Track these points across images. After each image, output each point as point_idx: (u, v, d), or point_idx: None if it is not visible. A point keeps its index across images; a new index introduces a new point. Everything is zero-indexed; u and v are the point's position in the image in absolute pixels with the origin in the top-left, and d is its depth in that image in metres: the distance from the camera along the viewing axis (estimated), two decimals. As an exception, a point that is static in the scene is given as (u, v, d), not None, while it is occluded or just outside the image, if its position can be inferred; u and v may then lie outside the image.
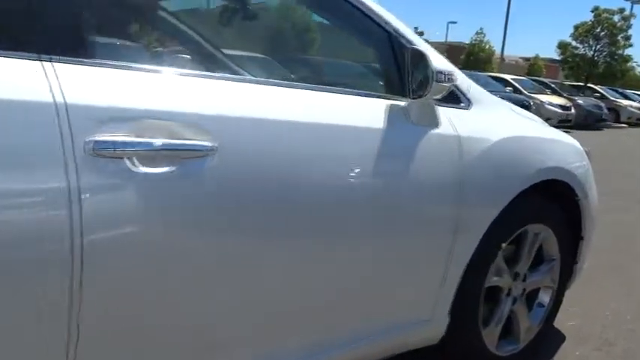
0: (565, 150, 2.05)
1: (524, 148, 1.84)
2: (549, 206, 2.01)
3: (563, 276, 2.13)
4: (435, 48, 1.68)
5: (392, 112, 1.47)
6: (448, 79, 1.46)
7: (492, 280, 1.85)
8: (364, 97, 1.51)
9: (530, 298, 2.07)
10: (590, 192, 2.13)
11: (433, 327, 1.71)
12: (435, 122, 1.55)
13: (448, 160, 1.56)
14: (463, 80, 1.72)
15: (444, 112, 1.61)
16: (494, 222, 1.70)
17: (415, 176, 1.49)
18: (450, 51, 35.51)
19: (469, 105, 1.72)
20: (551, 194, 1.96)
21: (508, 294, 1.98)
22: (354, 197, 1.37)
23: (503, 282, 1.91)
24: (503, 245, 1.83)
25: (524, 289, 2.01)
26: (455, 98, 1.67)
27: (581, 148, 2.16)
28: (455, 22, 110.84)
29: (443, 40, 50.96)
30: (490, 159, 1.68)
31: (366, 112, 1.46)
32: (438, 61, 1.47)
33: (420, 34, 15.04)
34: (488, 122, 1.76)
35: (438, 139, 1.54)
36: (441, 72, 1.43)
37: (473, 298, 1.79)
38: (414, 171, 1.49)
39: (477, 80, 1.97)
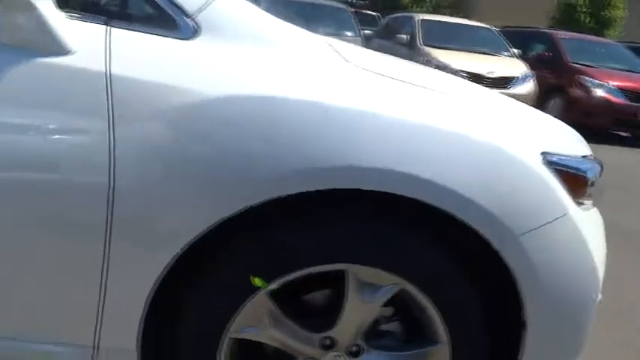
0: (451, 147, 1.06)
1: (296, 121, 1.00)
2: (415, 245, 1.11)
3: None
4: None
5: None
6: None
7: (244, 331, 1.13)
8: None
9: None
10: (548, 241, 1.10)
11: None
12: (51, 43, 0.96)
13: (88, 117, 0.96)
14: None
15: (97, 33, 1.00)
16: (208, 236, 1.01)
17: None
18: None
19: (192, 33, 1.03)
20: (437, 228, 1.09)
21: (310, 368, 1.20)
22: None
23: (282, 342, 1.15)
24: (266, 285, 1.08)
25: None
26: (162, 19, 1.01)
27: (522, 159, 1.10)
28: None
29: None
30: (188, 130, 0.98)
31: None
32: None
33: None
34: (222, 67, 1.04)
35: (57, 78, 0.95)
36: None
37: (199, 342, 1.13)
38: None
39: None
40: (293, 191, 0.99)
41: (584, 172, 1.18)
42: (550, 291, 1.13)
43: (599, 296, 1.26)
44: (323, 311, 1.18)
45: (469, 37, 8.23)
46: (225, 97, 0.98)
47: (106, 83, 0.96)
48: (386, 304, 1.19)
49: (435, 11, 16.62)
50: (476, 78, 7.07)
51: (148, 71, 0.98)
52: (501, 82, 7.17)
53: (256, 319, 1.13)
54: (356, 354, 1.18)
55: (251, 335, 1.14)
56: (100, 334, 1.09)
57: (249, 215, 1.03)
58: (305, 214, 1.09)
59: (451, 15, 12.42)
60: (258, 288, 1.09)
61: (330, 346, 1.17)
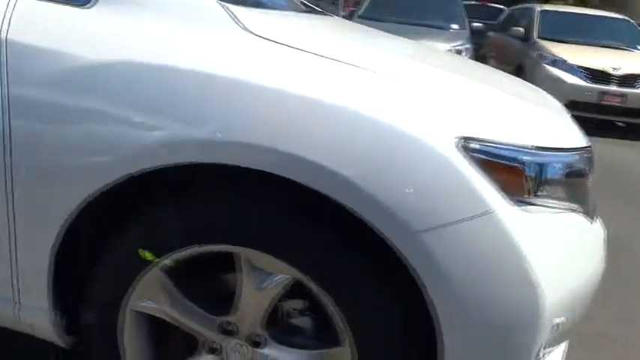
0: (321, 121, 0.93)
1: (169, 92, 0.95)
2: (308, 232, 0.99)
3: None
4: None
5: None
6: None
7: (142, 304, 1.11)
8: None
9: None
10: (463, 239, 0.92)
11: (26, 314, 1.18)
12: None
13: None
14: None
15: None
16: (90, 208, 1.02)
17: None
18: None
19: (88, 1, 1.01)
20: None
21: (212, 351, 1.14)
22: None
23: (180, 321, 1.11)
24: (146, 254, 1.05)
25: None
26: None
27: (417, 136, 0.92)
28: None
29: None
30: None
31: None
32: None
33: None
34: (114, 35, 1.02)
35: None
36: None
37: (102, 309, 1.14)
38: None
39: None
40: (165, 163, 0.95)
41: (521, 163, 0.96)
42: (465, 300, 0.95)
43: (559, 319, 1.04)
44: (227, 295, 1.12)
45: (598, 30, 7.34)
46: (101, 64, 0.97)
47: (3, 48, 1.01)
48: (298, 297, 1.10)
49: (581, 3, 15.08)
50: (599, 75, 6.31)
51: (40, 37, 1.01)
52: (629, 80, 6.30)
53: (153, 294, 1.11)
54: (258, 344, 1.11)
55: (149, 309, 1.12)
56: (19, 291, 1.16)
57: (135, 188, 1.02)
58: (194, 192, 1.04)
59: (602, 8, 11.12)
60: (149, 262, 1.07)
61: (231, 332, 1.11)
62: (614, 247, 1.36)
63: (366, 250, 0.98)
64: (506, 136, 0.98)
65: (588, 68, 6.29)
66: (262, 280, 1.04)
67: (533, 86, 1.65)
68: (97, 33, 1.01)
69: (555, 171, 1.04)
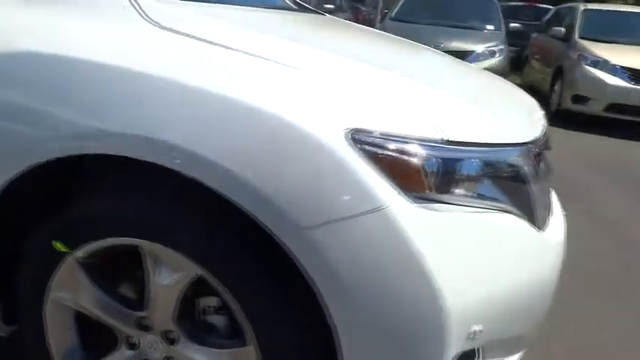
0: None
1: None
2: (204, 226, 0.98)
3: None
4: None
5: None
6: None
7: (61, 294, 1.12)
8: None
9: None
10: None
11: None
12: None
13: None
14: None
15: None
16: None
17: None
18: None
19: None
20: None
21: (132, 347, 1.14)
22: None
23: (95, 313, 1.12)
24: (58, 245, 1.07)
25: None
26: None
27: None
28: None
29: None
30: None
31: None
32: None
33: None
34: None
35: None
36: None
37: (28, 299, 1.16)
38: None
39: None
40: (61, 154, 0.96)
41: (419, 157, 0.90)
42: (359, 302, 0.90)
43: (476, 327, 0.97)
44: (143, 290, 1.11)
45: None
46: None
47: None
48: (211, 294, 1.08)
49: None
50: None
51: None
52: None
53: (70, 285, 1.12)
54: (173, 341, 1.10)
55: (68, 300, 1.13)
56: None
57: (45, 177, 1.03)
58: (101, 184, 1.05)
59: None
60: (64, 253, 1.08)
61: (147, 327, 1.11)
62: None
63: (264, 248, 0.95)
64: (402, 128, 0.92)
65: (631, 69, 5.94)
66: (168, 276, 1.03)
67: (501, 79, 1.58)
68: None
69: (473, 167, 0.97)
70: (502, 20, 7.19)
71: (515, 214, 1.03)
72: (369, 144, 0.89)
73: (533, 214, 1.08)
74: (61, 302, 1.14)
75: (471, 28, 6.88)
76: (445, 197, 0.93)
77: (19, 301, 1.19)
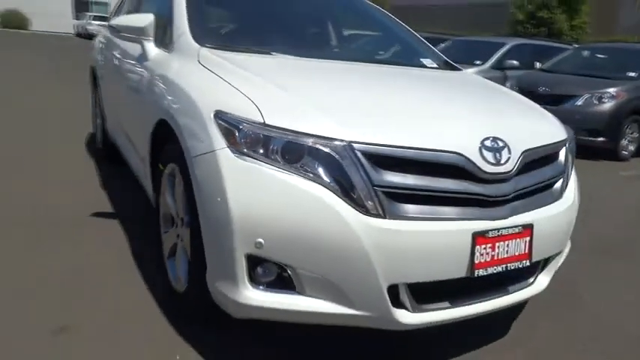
0: None
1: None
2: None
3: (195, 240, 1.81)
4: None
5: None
6: None
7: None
8: None
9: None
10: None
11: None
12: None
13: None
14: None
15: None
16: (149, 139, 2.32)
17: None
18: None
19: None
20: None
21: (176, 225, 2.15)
22: None
23: (171, 208, 2.17)
24: (160, 166, 2.20)
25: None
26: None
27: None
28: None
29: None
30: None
31: None
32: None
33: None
34: None
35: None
36: None
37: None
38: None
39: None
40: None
41: (240, 129, 1.66)
42: (204, 202, 1.70)
43: (259, 239, 1.59)
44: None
45: None
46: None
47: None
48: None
49: None
50: None
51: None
52: None
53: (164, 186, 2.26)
54: (182, 223, 2.06)
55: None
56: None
57: None
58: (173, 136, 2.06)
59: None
60: (162, 170, 2.23)
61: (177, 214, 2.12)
62: None
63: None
64: (241, 112, 1.69)
65: None
66: (179, 183, 2.06)
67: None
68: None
69: (279, 143, 1.62)
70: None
71: (323, 185, 1.57)
72: (220, 119, 1.70)
73: (351, 195, 1.57)
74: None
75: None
76: (259, 157, 1.62)
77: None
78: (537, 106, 2.43)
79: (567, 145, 2.16)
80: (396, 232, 1.60)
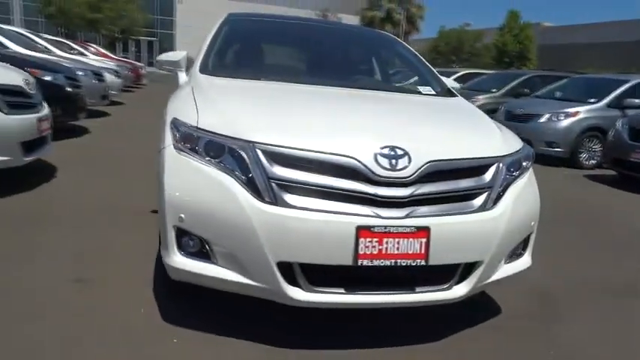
0: None
1: None
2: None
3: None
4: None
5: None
6: None
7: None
8: None
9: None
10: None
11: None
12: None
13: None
14: None
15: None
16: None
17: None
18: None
19: None
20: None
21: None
22: None
23: None
24: None
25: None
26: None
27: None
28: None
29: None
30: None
31: None
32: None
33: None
34: None
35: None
36: None
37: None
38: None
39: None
40: None
41: (180, 130, 2.17)
42: (158, 190, 2.20)
43: (181, 215, 2.06)
44: None
45: None
46: None
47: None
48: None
49: None
50: None
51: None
52: None
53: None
54: None
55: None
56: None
57: None
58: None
59: None
60: None
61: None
62: None
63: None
64: (187, 119, 2.18)
65: None
66: None
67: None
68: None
69: (204, 143, 2.08)
70: None
71: (232, 176, 1.99)
72: (173, 124, 2.22)
73: (251, 185, 1.97)
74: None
75: None
76: (190, 152, 2.08)
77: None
78: (494, 127, 2.56)
79: (502, 162, 2.26)
80: (283, 217, 1.94)
